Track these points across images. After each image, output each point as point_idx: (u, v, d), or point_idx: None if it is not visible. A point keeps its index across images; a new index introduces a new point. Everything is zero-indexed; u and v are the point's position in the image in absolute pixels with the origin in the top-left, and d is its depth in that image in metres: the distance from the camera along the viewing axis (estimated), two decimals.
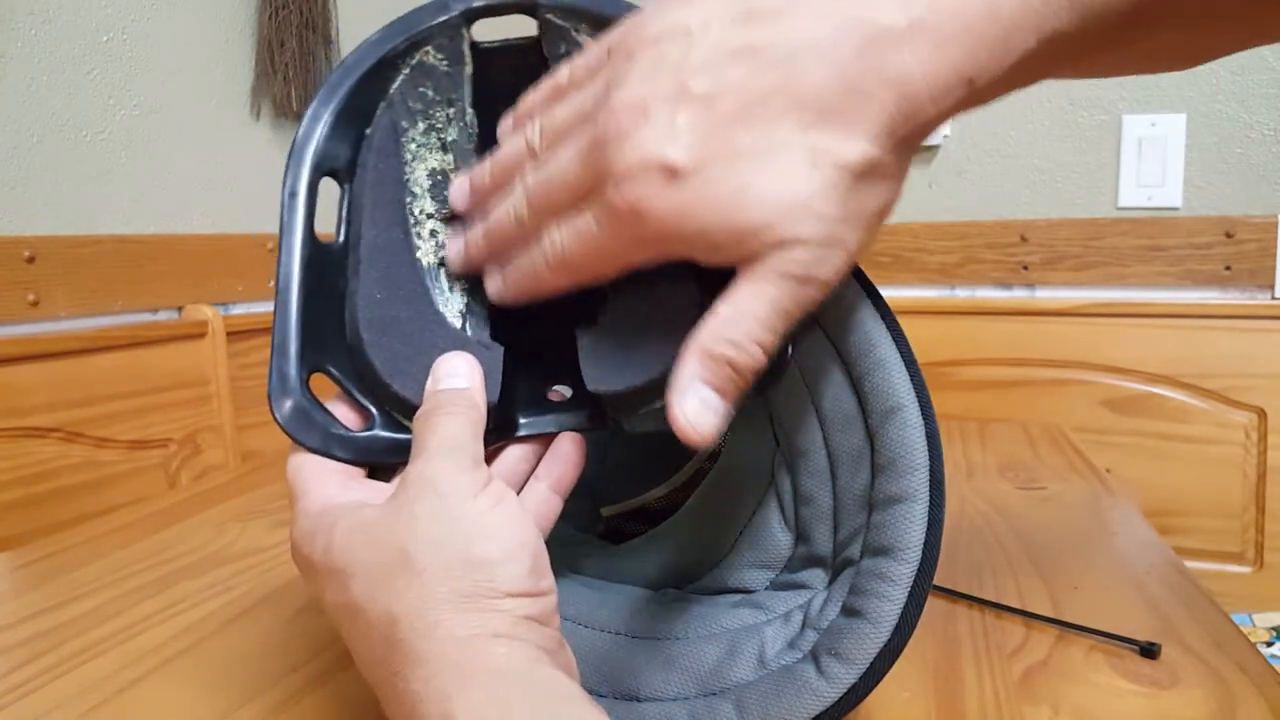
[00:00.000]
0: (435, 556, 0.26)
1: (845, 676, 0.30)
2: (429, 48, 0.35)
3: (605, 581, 0.41)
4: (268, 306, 1.24)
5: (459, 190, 0.34)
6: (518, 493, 0.33)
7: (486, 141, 0.35)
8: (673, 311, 0.31)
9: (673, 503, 0.41)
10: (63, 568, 0.57)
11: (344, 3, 1.31)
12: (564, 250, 0.30)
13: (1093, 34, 0.27)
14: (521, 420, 0.34)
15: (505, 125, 0.35)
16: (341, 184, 0.35)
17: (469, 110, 0.36)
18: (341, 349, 0.33)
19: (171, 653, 0.45)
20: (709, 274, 0.29)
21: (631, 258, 0.30)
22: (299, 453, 0.32)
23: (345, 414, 0.33)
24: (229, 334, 1.12)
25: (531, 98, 0.34)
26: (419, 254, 0.34)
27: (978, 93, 0.27)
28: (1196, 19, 0.29)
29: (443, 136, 0.35)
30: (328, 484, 0.31)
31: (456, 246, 0.34)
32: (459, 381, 0.31)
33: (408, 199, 0.34)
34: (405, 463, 0.30)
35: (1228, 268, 1.19)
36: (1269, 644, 0.97)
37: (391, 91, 0.35)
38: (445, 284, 0.34)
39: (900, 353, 0.32)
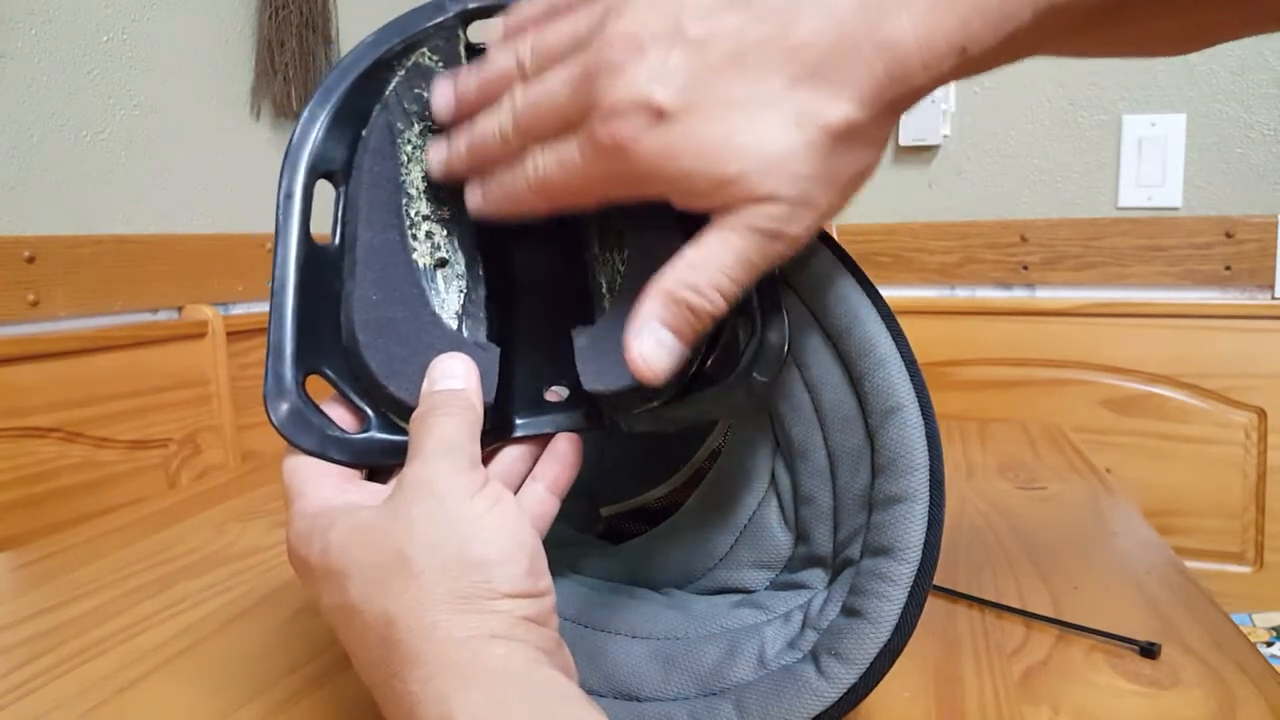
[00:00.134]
0: (433, 558, 0.26)
1: (845, 676, 0.30)
2: (425, 49, 0.35)
3: (605, 582, 0.41)
4: (267, 307, 1.23)
5: (443, 96, 0.34)
6: (515, 493, 0.33)
7: None
8: None
9: (673, 503, 0.41)
10: (63, 568, 0.57)
11: (344, 3, 1.31)
12: (545, 175, 0.30)
13: (1088, 10, 0.27)
14: (518, 421, 0.34)
15: (495, 34, 0.34)
16: (337, 186, 0.35)
17: None
18: (337, 351, 0.33)
19: (171, 653, 0.45)
20: None
21: (610, 191, 0.30)
22: (295, 454, 0.32)
23: (341, 416, 0.33)
24: (229, 334, 1.12)
25: (526, 10, 0.33)
26: (415, 255, 0.34)
27: (970, 62, 0.27)
28: (1188, 2, 0.29)
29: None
30: (324, 486, 0.31)
31: (439, 154, 0.34)
32: (455, 383, 0.31)
33: (403, 201, 0.34)
34: (402, 464, 0.30)
35: (1228, 268, 1.19)
36: (1269, 644, 0.97)
37: (387, 93, 0.35)
38: (441, 285, 0.34)
39: (900, 353, 0.32)
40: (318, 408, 0.32)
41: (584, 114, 0.28)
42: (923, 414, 0.31)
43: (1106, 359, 1.22)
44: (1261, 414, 1.15)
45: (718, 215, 0.28)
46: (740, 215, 0.28)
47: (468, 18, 0.36)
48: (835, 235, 0.32)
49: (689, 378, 0.32)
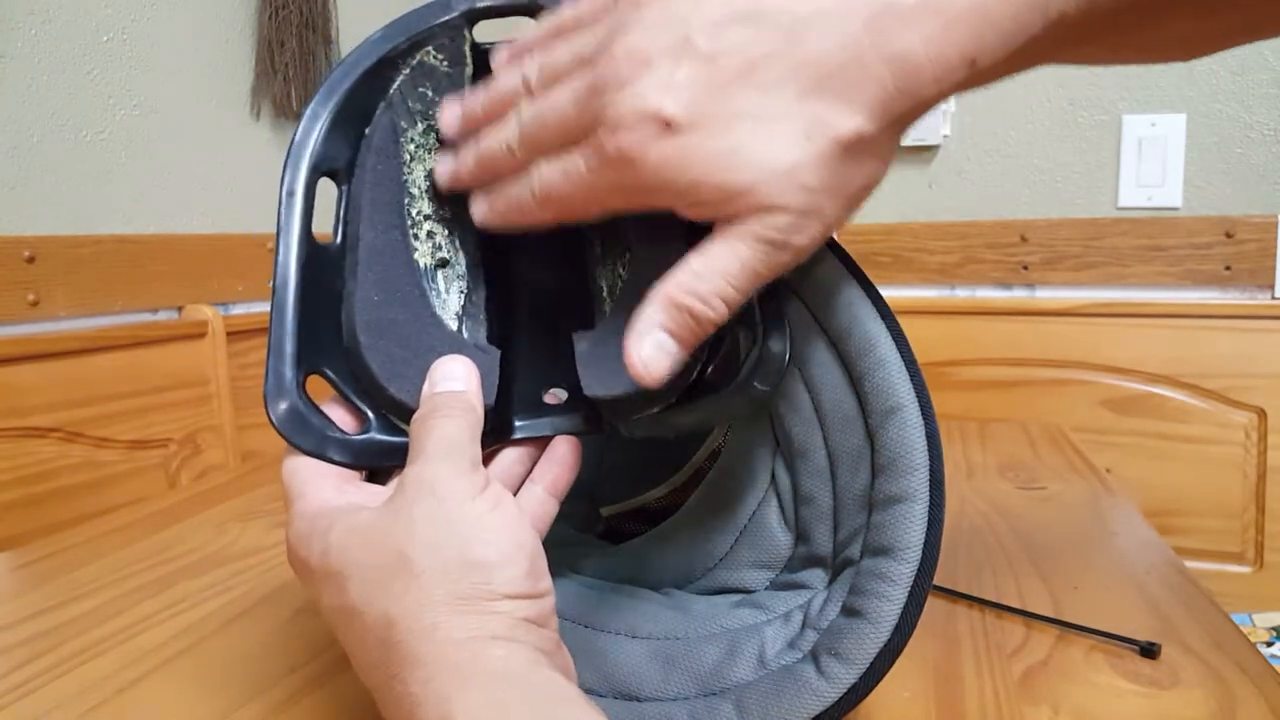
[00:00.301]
0: (433, 559, 0.26)
1: (845, 676, 0.30)
2: (430, 48, 0.35)
3: (605, 582, 0.41)
4: (268, 307, 1.23)
5: (450, 115, 0.35)
6: (514, 495, 0.33)
7: None
8: None
9: (673, 503, 0.41)
10: (63, 568, 0.57)
11: (344, 3, 1.31)
12: (551, 187, 0.30)
13: (1097, 18, 0.27)
14: (518, 423, 0.34)
15: (500, 58, 0.35)
16: (340, 184, 0.35)
17: None
18: (338, 351, 0.33)
19: (171, 653, 0.45)
20: None
21: (616, 203, 0.30)
22: (295, 455, 0.32)
23: (341, 416, 0.33)
24: (229, 334, 1.12)
25: (531, 34, 0.34)
26: (416, 255, 0.34)
27: (980, 74, 0.27)
28: (1199, 7, 0.29)
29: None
30: (323, 486, 0.31)
31: (445, 166, 0.34)
32: (456, 384, 0.31)
33: (406, 200, 0.34)
34: (401, 466, 0.30)
35: (1228, 268, 1.19)
36: (1269, 644, 0.97)
37: (391, 92, 0.35)
38: (442, 286, 0.34)
39: (900, 353, 0.32)
40: (318, 408, 0.32)
41: (590, 127, 0.29)
42: (923, 414, 0.31)
43: (1106, 359, 1.22)
44: (1261, 414, 1.15)
45: (723, 224, 0.28)
46: (747, 224, 0.28)
47: (473, 17, 0.36)
48: (836, 236, 0.32)
49: (689, 385, 0.32)
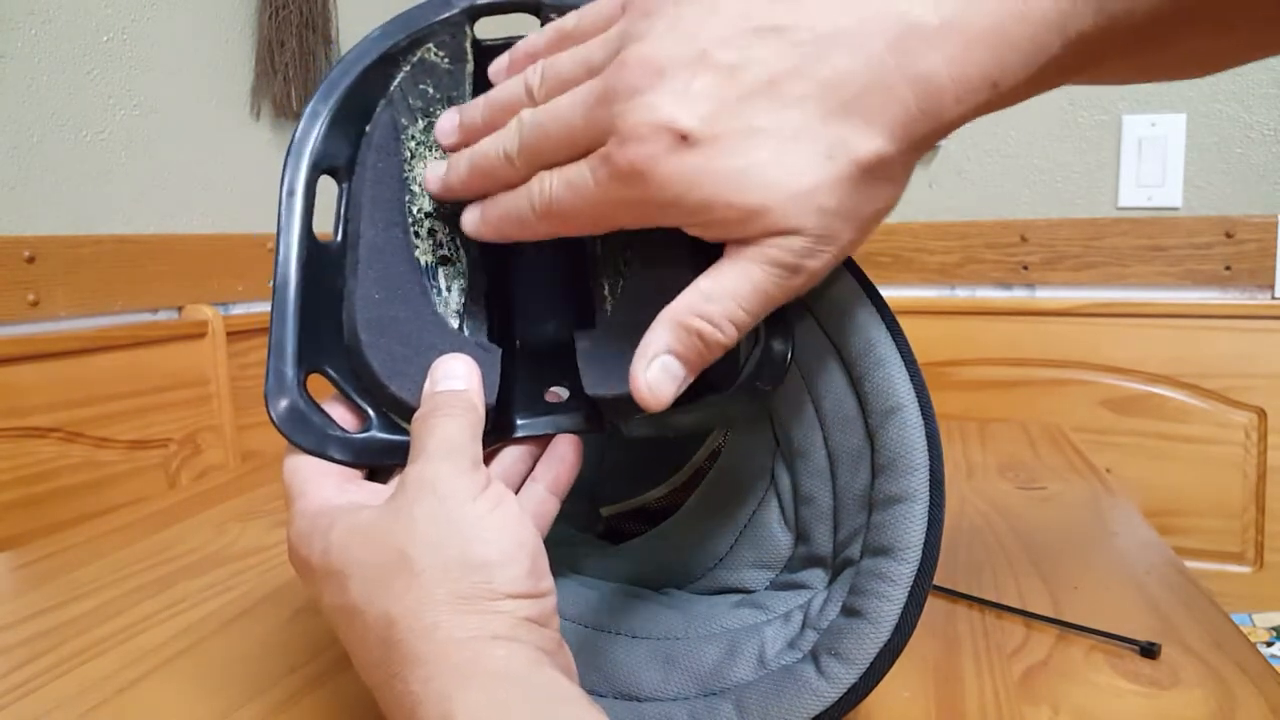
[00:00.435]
0: (434, 558, 0.26)
1: (845, 676, 0.30)
2: (431, 45, 0.35)
3: (604, 582, 0.41)
4: (268, 306, 1.24)
5: (447, 123, 0.34)
6: (515, 493, 0.33)
7: None
8: None
9: (673, 503, 0.41)
10: (63, 568, 0.57)
11: (344, 3, 1.31)
12: (554, 199, 0.29)
13: (1117, 36, 0.27)
14: (519, 421, 0.34)
15: (498, 66, 0.34)
16: (340, 182, 0.35)
17: None
18: (339, 349, 0.33)
19: (171, 653, 0.45)
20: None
21: (621, 219, 0.29)
22: (295, 454, 0.32)
23: (342, 415, 0.32)
24: (229, 334, 1.12)
25: (534, 40, 0.33)
26: (417, 253, 0.34)
27: (1002, 96, 0.27)
28: (1218, 25, 0.29)
29: None
30: (324, 485, 0.31)
31: (437, 172, 0.33)
32: (457, 383, 0.31)
33: (407, 198, 0.34)
34: (402, 464, 0.30)
35: (1228, 268, 1.19)
36: (1269, 644, 0.97)
37: (392, 89, 0.35)
38: (443, 283, 0.34)
39: (900, 353, 0.32)
40: (319, 407, 0.32)
41: (598, 138, 0.28)
42: (923, 414, 0.31)
43: (1106, 359, 1.22)
44: (1261, 414, 1.15)
45: (735, 245, 0.27)
46: (761, 247, 0.27)
47: (474, 14, 0.35)
48: None
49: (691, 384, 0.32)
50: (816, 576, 0.34)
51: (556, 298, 0.36)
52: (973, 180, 1.31)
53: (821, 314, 0.33)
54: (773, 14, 0.26)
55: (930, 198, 1.33)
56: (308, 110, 0.34)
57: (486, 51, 0.36)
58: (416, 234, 0.34)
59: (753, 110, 0.26)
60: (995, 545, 0.57)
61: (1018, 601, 0.47)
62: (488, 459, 0.33)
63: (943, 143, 1.31)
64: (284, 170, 0.33)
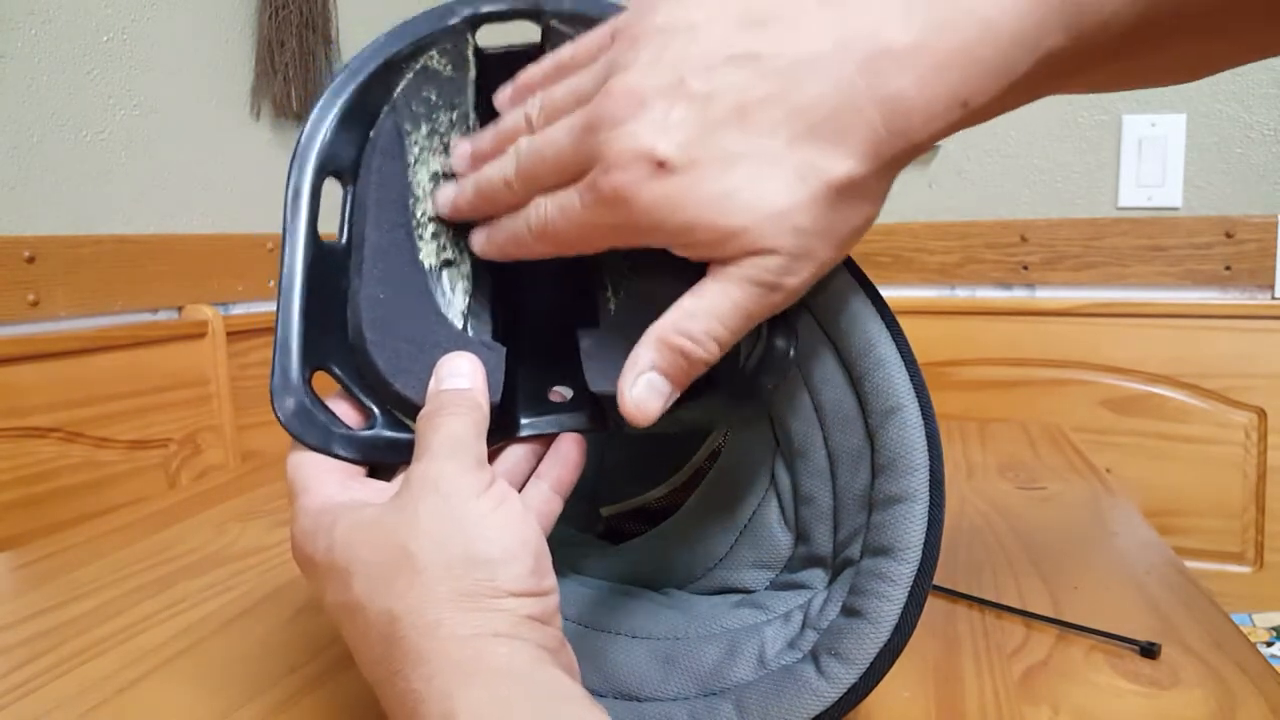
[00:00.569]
0: (437, 555, 0.26)
1: (845, 676, 0.30)
2: (433, 52, 0.36)
3: (605, 582, 0.41)
4: (268, 306, 1.24)
5: (461, 153, 0.35)
6: (519, 492, 0.33)
7: None
8: None
9: (673, 503, 0.41)
10: (63, 568, 0.57)
11: (344, 3, 1.31)
12: (548, 222, 0.31)
13: (1095, 49, 0.27)
14: (523, 420, 0.34)
15: (503, 96, 0.35)
16: (345, 185, 0.35)
17: (472, 114, 0.36)
18: (344, 348, 0.33)
19: (171, 653, 0.45)
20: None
21: (610, 241, 0.31)
22: (299, 450, 0.32)
23: (347, 413, 0.33)
24: (229, 334, 1.12)
25: (534, 71, 0.34)
26: (421, 255, 0.34)
27: (972, 114, 0.27)
28: (1208, 30, 0.29)
29: (445, 140, 0.35)
30: (327, 482, 0.31)
31: (446, 194, 0.35)
32: (462, 382, 0.32)
33: (411, 201, 0.35)
34: (406, 462, 0.30)
35: (1228, 268, 1.19)
36: (1269, 644, 0.98)
37: (395, 95, 0.35)
38: (447, 285, 0.34)
39: (900, 353, 0.32)
40: (324, 404, 0.32)
41: (586, 165, 0.29)
42: (923, 414, 0.31)
43: (1106, 359, 1.22)
44: (1261, 414, 1.15)
45: (716, 265, 0.28)
46: (741, 267, 0.28)
47: (476, 22, 0.36)
48: None
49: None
50: (816, 576, 0.34)
51: (560, 297, 0.37)
52: (973, 180, 1.31)
53: (821, 314, 0.33)
54: (751, 41, 0.27)
55: (930, 198, 1.33)
56: (313, 114, 0.34)
57: (488, 59, 0.37)
58: (421, 236, 0.34)
59: (727, 137, 0.27)
60: (995, 545, 0.57)
61: (1018, 601, 0.48)
62: (492, 458, 0.33)
63: (942, 143, 1.31)
64: (290, 173, 0.34)
